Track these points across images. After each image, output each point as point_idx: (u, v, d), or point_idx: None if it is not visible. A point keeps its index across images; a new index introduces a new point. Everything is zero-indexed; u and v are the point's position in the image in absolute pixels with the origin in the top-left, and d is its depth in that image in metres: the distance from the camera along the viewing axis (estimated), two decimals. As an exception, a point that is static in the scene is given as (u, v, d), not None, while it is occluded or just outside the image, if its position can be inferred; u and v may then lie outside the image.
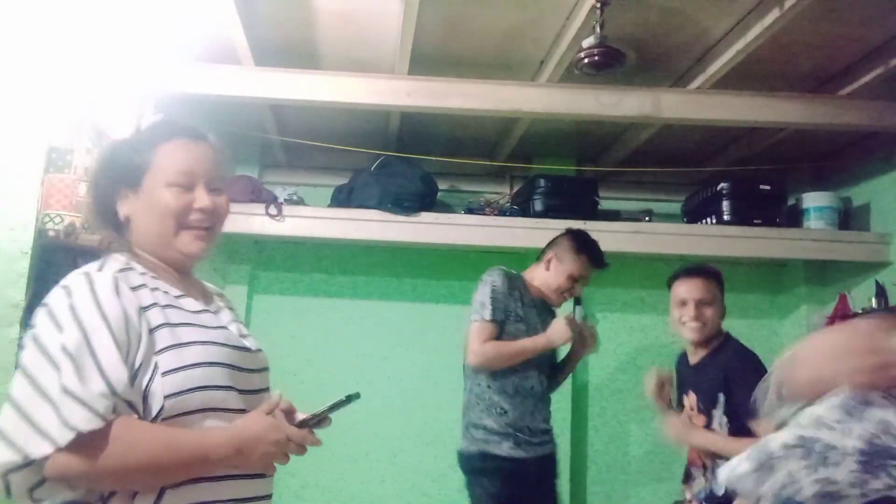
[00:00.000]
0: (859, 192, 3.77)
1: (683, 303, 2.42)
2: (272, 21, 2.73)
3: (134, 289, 1.19)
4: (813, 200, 3.71)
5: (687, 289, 2.43)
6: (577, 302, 3.94)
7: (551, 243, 2.82)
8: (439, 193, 3.76)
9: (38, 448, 1.05)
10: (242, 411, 1.23)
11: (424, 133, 3.71)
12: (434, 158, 3.71)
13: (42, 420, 1.06)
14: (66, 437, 1.05)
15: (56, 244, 2.33)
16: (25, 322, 2.23)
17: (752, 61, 2.74)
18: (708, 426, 2.32)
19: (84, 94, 2.49)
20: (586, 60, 2.50)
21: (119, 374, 1.10)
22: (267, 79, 2.98)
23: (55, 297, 1.18)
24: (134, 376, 1.13)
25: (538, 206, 3.65)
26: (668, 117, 3.06)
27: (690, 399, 2.43)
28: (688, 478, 2.51)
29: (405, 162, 3.63)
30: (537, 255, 2.87)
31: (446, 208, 3.85)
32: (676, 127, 3.31)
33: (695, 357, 2.47)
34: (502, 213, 3.74)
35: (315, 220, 3.54)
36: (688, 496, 2.50)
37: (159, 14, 2.63)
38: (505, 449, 2.55)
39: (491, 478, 2.56)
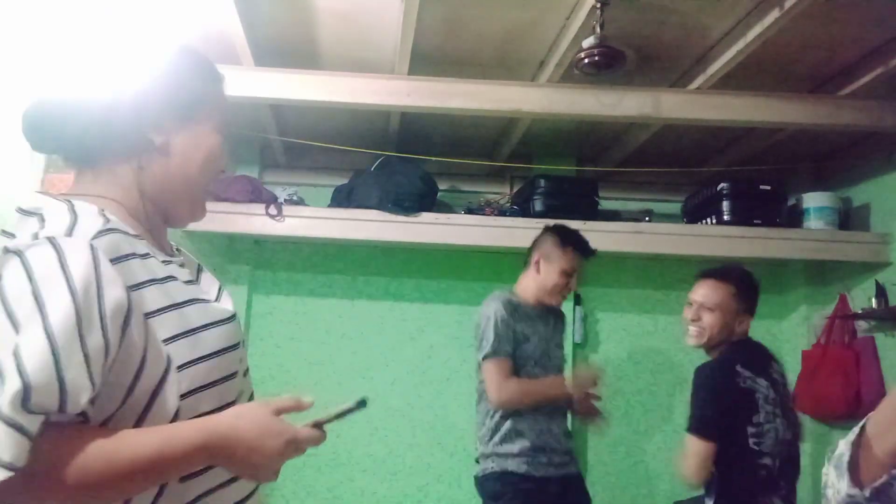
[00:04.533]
0: (859, 192, 3.77)
1: (689, 304, 2.40)
2: (272, 21, 2.73)
3: (118, 259, 0.91)
4: (813, 200, 3.70)
5: (695, 289, 2.41)
6: (577, 302, 3.96)
7: (534, 245, 2.80)
8: (439, 193, 3.76)
9: None
10: (244, 395, 1.06)
11: (424, 133, 3.72)
12: (434, 158, 3.71)
13: None
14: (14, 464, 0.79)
15: (56, 244, 2.32)
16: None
17: (752, 61, 2.74)
18: None
19: (84, 94, 2.49)
20: (586, 60, 2.50)
21: (80, 385, 0.84)
22: (267, 79, 2.97)
23: (7, 273, 0.86)
24: (133, 382, 0.90)
25: (538, 206, 3.65)
26: (668, 117, 3.06)
27: None
28: None
29: (405, 162, 3.63)
30: (524, 262, 2.84)
31: (446, 208, 3.85)
32: (676, 127, 3.31)
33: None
34: (502, 213, 3.74)
35: (315, 220, 3.54)
36: None
37: (159, 14, 2.63)
38: (524, 468, 2.51)
39: (511, 499, 2.51)
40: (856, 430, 1.04)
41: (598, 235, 3.58)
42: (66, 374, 0.82)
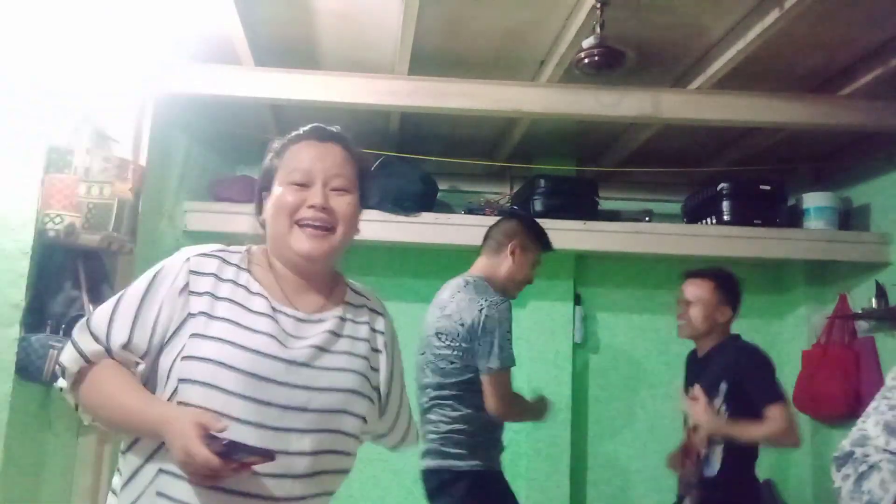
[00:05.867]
0: (859, 192, 3.77)
1: (678, 302, 2.70)
2: (272, 21, 2.73)
3: (201, 274, 1.24)
4: (813, 200, 3.71)
5: (682, 289, 2.70)
6: (577, 302, 3.96)
7: (505, 232, 2.63)
8: (439, 193, 3.76)
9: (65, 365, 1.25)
10: (259, 425, 1.16)
11: (424, 133, 3.72)
12: (434, 158, 3.71)
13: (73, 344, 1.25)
14: (67, 367, 1.24)
15: (56, 244, 2.32)
16: (25, 322, 2.23)
17: (752, 61, 2.74)
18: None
19: (84, 94, 2.49)
20: (586, 60, 2.50)
21: (119, 335, 1.20)
22: (267, 79, 2.97)
23: None
24: (161, 347, 1.20)
25: (538, 206, 3.65)
26: (668, 117, 3.06)
27: (695, 389, 2.53)
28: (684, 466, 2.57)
29: (405, 162, 3.63)
30: (481, 248, 2.69)
31: (446, 208, 3.85)
32: (676, 127, 3.31)
33: (701, 352, 2.67)
34: (502, 213, 3.74)
35: (315, 220, 3.54)
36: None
37: (159, 14, 2.63)
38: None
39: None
40: None
41: (598, 235, 3.60)
42: (114, 324, 1.21)
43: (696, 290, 2.63)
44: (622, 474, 3.93)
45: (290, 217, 1.27)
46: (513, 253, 2.59)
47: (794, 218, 3.74)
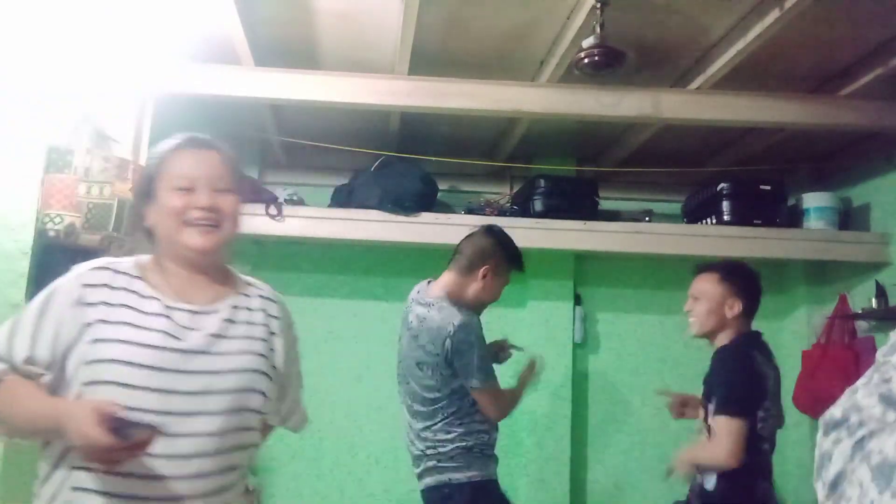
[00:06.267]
0: (859, 192, 3.77)
1: (688, 297, 2.51)
2: (272, 21, 2.73)
3: (93, 286, 1.35)
4: (813, 200, 3.71)
5: (691, 284, 2.52)
6: (577, 302, 3.96)
7: (480, 254, 2.56)
8: (439, 193, 3.75)
9: None
10: (165, 413, 1.27)
11: (424, 133, 3.71)
12: (434, 158, 3.71)
13: None
14: None
15: (56, 244, 2.33)
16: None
17: (752, 61, 2.74)
18: (705, 419, 2.38)
19: (84, 94, 2.49)
20: (586, 60, 2.50)
21: (21, 351, 1.30)
22: (267, 79, 2.98)
23: None
24: (64, 357, 1.30)
25: (538, 206, 3.65)
26: (668, 117, 3.06)
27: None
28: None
29: (405, 162, 3.63)
30: (454, 260, 2.63)
31: (446, 208, 3.85)
32: (676, 127, 3.31)
33: (713, 349, 2.48)
34: (502, 213, 3.74)
35: (315, 220, 3.54)
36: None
37: (159, 14, 2.63)
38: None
39: None
40: None
41: (598, 235, 3.60)
42: (15, 341, 1.31)
43: (700, 285, 2.47)
44: (622, 474, 3.92)
45: (180, 218, 1.39)
46: (484, 276, 2.53)
47: (794, 218, 3.74)
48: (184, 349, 1.33)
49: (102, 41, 2.57)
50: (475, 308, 2.55)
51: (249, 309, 1.47)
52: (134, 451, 1.18)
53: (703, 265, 2.54)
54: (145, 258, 1.45)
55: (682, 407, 2.58)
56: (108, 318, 1.32)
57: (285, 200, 3.61)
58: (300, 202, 3.69)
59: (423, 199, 3.56)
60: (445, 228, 3.53)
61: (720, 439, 2.21)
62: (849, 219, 3.77)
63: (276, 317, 1.50)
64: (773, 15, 2.39)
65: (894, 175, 3.49)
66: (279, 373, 1.47)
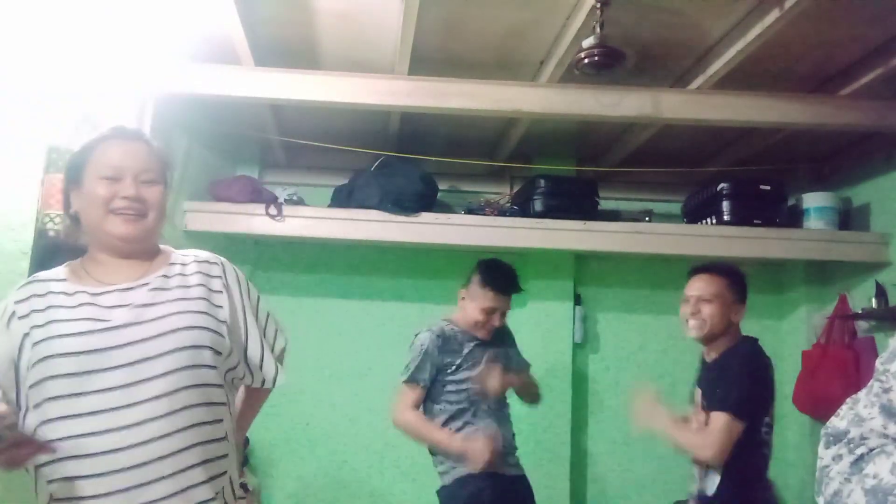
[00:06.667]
0: (859, 192, 3.77)
1: (686, 300, 2.44)
2: (272, 21, 2.73)
3: (21, 300, 1.43)
4: (813, 200, 3.71)
5: (690, 285, 2.45)
6: (577, 302, 3.96)
7: (466, 278, 2.80)
8: (439, 193, 3.76)
9: None
10: (107, 390, 1.33)
11: (424, 133, 3.71)
12: (434, 158, 3.71)
13: None
14: None
15: (56, 244, 2.32)
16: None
17: (752, 61, 2.74)
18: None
19: (84, 94, 2.49)
20: (586, 60, 2.50)
21: None
22: (267, 79, 2.97)
23: None
24: (13, 368, 1.38)
25: (538, 206, 3.65)
26: (668, 117, 3.06)
27: (697, 395, 2.43)
28: (692, 476, 2.51)
29: (405, 162, 3.63)
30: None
31: (446, 208, 3.85)
32: (676, 127, 3.31)
33: (709, 356, 2.45)
34: (502, 213, 3.74)
35: (315, 220, 3.54)
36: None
37: (159, 14, 2.63)
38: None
39: None
40: None
41: (598, 235, 3.60)
42: None
43: (709, 286, 2.38)
44: (622, 474, 3.92)
45: (105, 207, 1.44)
46: (463, 299, 2.76)
47: (794, 218, 3.74)
48: (113, 326, 1.38)
49: (102, 41, 2.56)
50: (472, 330, 2.73)
51: (183, 275, 1.50)
52: (21, 451, 1.25)
53: (702, 266, 2.49)
54: (75, 261, 1.52)
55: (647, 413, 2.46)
56: (39, 323, 1.39)
57: (285, 200, 3.61)
58: (300, 202, 3.69)
59: (423, 199, 3.56)
60: (445, 228, 3.53)
61: (713, 434, 2.20)
62: (849, 219, 3.77)
63: (216, 276, 1.53)
64: (773, 15, 2.39)
65: (894, 175, 3.49)
66: (230, 327, 1.49)
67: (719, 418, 2.21)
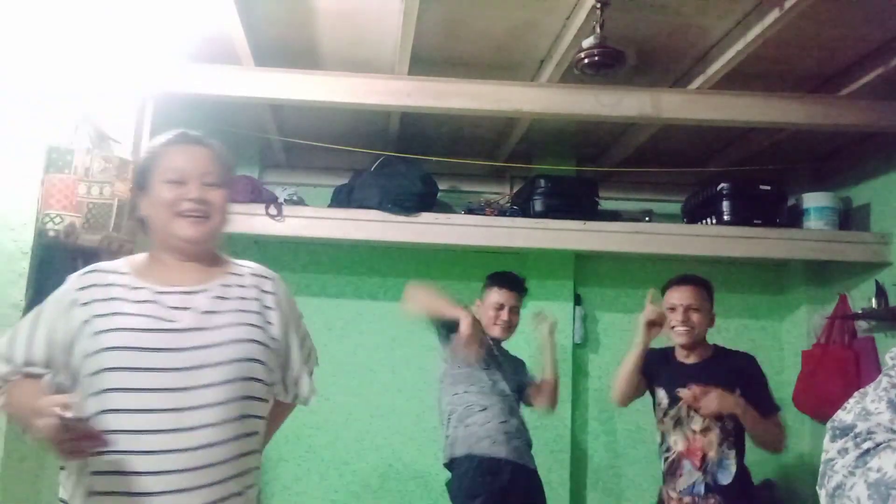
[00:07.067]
0: (859, 192, 3.77)
1: (673, 308, 2.61)
2: (272, 21, 2.73)
3: (84, 288, 1.46)
4: (813, 200, 3.71)
5: (678, 296, 2.62)
6: (577, 302, 3.96)
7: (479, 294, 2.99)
8: (439, 193, 3.76)
9: None
10: (166, 389, 1.35)
11: (424, 133, 3.72)
12: (434, 158, 3.71)
13: None
14: None
15: (56, 244, 2.33)
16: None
17: (752, 61, 2.74)
18: (719, 418, 2.48)
19: (84, 94, 2.50)
20: (586, 60, 2.50)
21: (19, 353, 1.44)
22: (267, 79, 2.98)
23: None
24: (68, 356, 1.40)
25: (538, 206, 3.65)
26: (668, 117, 3.06)
27: (694, 391, 2.51)
28: (674, 471, 2.54)
29: (405, 162, 3.63)
30: None
31: (446, 208, 3.85)
32: (676, 127, 3.31)
33: (690, 358, 2.64)
34: (502, 213, 3.74)
35: (315, 220, 3.54)
36: (670, 493, 2.53)
37: (159, 14, 2.63)
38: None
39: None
40: None
41: (598, 235, 3.60)
42: (14, 347, 1.46)
43: (696, 296, 2.61)
44: (623, 474, 3.93)
45: (171, 209, 1.48)
46: (478, 307, 2.91)
47: (794, 218, 3.74)
48: (176, 328, 1.40)
49: (102, 41, 2.57)
50: (494, 334, 2.86)
51: (241, 286, 1.53)
52: (84, 442, 1.25)
53: (684, 278, 2.69)
54: (137, 256, 1.56)
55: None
56: (101, 312, 1.41)
57: (285, 200, 3.61)
58: (300, 202, 3.69)
59: (423, 199, 3.56)
60: (445, 228, 3.53)
61: (782, 430, 2.56)
62: (849, 219, 3.77)
63: (269, 292, 1.56)
64: (773, 15, 2.39)
65: (894, 175, 3.49)
66: (279, 343, 1.52)
67: (778, 419, 2.54)
